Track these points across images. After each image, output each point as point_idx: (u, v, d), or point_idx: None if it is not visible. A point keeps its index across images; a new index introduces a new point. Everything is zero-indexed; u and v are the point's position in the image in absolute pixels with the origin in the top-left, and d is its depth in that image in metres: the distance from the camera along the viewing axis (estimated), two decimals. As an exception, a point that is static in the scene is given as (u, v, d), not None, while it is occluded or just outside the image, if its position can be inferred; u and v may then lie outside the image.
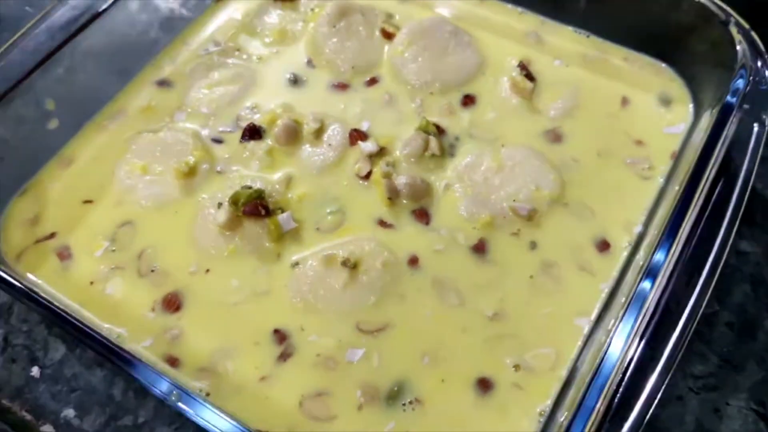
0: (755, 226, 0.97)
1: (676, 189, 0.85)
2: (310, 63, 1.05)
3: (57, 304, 0.79)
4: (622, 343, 0.72)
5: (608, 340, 0.73)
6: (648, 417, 0.69)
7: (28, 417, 0.85)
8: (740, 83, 0.86)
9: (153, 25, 1.08)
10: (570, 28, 1.07)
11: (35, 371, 0.88)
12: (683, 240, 0.76)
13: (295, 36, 1.08)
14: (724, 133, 0.82)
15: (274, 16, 1.10)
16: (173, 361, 0.81)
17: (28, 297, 0.80)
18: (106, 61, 1.04)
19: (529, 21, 1.08)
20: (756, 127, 0.82)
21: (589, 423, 0.68)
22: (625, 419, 0.68)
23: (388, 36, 1.06)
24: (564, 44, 1.05)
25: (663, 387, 0.70)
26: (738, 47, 0.89)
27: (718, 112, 0.85)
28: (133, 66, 1.07)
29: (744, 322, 0.89)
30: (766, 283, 0.92)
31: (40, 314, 0.80)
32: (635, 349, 0.72)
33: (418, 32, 1.04)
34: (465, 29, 1.07)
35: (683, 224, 0.78)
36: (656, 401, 0.70)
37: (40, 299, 0.79)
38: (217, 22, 1.11)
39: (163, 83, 1.05)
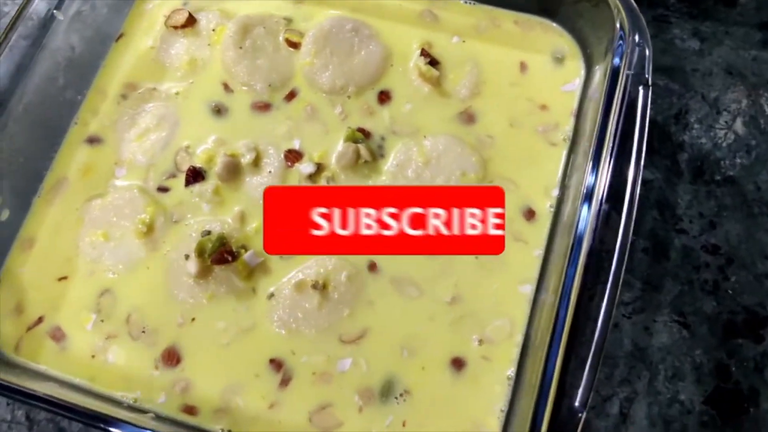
0: (654, 154, 1.09)
1: (582, 148, 0.97)
2: (227, 88, 1.07)
3: (58, 398, 0.83)
4: (567, 301, 0.82)
5: (555, 302, 0.83)
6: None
7: (72, 483, 0.95)
8: (622, 46, 0.93)
9: (64, 79, 1.06)
10: (460, 1, 1.11)
11: (65, 441, 0.97)
12: (599, 197, 0.86)
13: (204, 63, 1.08)
14: (616, 98, 0.90)
15: (178, 46, 1.10)
16: (190, 410, 0.89)
17: (30, 399, 0.84)
18: (35, 129, 1.02)
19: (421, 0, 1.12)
20: (641, 90, 0.92)
21: (554, 379, 0.78)
22: (585, 361, 0.78)
23: (293, 45, 1.08)
24: (457, 18, 1.10)
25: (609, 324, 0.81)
26: (614, 9, 0.94)
27: (608, 77, 0.92)
28: (59, 126, 1.06)
29: (656, 245, 1.03)
30: (671, 205, 1.05)
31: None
32: (577, 300, 0.82)
33: (321, 38, 1.07)
34: (364, 21, 1.09)
35: (596, 185, 0.87)
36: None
37: (40, 403, 0.83)
38: (126, 64, 1.10)
39: (94, 140, 1.05)
